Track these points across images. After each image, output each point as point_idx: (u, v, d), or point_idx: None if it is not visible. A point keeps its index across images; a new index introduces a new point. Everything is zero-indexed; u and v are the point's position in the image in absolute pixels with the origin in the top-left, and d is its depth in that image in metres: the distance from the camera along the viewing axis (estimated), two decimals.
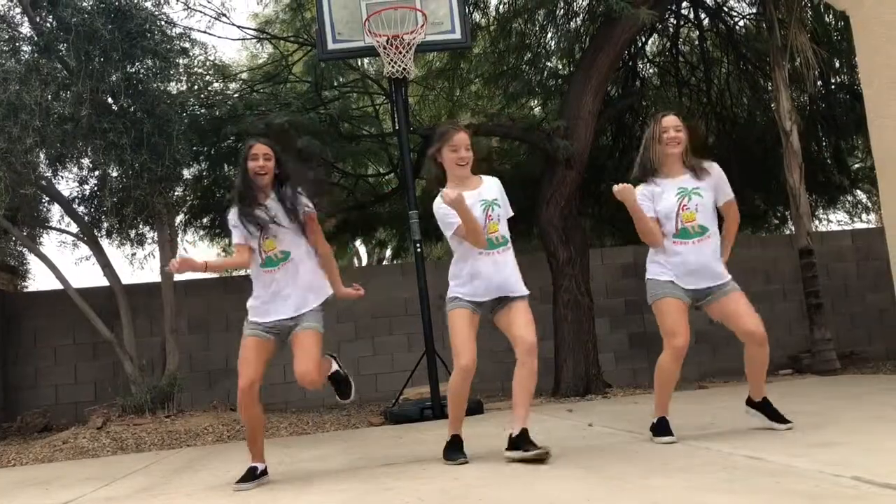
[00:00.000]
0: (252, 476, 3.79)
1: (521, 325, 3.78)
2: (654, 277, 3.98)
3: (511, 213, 4.04)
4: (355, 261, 20.34)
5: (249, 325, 3.85)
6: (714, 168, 4.02)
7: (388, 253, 16.72)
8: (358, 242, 16.46)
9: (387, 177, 12.15)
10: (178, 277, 8.55)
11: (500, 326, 3.92)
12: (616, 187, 3.85)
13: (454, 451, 3.89)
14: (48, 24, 7.37)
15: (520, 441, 3.69)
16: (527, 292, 3.94)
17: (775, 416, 4.01)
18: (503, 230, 3.91)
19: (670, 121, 3.98)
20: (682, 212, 3.89)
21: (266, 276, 3.83)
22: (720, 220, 4.10)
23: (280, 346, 3.90)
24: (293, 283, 3.82)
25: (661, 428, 3.98)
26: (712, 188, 3.98)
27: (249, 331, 3.83)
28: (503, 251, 3.89)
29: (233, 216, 3.89)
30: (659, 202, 3.95)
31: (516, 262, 3.98)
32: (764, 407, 4.06)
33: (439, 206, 3.82)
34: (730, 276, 3.96)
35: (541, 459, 3.58)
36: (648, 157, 4.02)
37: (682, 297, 3.89)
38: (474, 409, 6.83)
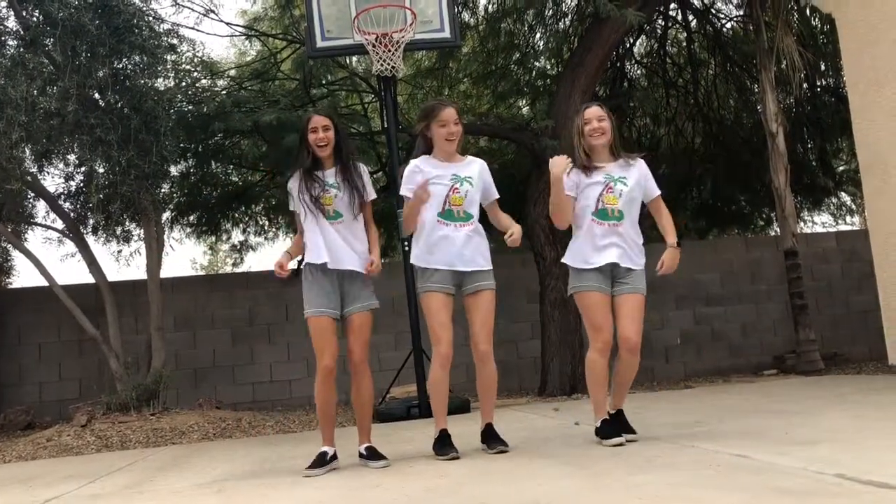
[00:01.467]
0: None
1: (476, 327, 3.92)
2: (573, 265, 4.01)
3: (496, 196, 4.13)
4: None
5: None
6: (640, 163, 4.10)
7: None
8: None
9: (375, 175, 12.13)
10: (164, 274, 8.51)
11: (466, 313, 3.98)
12: (553, 158, 3.91)
13: (444, 445, 3.91)
14: (34, 19, 7.32)
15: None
16: (491, 279, 4.00)
17: (627, 428, 4.02)
18: (468, 206, 3.97)
19: (592, 112, 4.03)
20: (607, 193, 3.96)
21: (329, 229, 3.90)
22: (652, 222, 4.20)
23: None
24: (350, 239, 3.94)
25: (606, 429, 3.91)
26: (638, 183, 4.03)
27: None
28: (462, 225, 3.94)
29: (293, 184, 4.00)
30: (584, 183, 4.01)
31: (484, 243, 4.02)
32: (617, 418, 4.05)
33: (409, 167, 3.99)
34: (641, 268, 3.98)
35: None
36: (576, 150, 4.08)
37: (604, 289, 3.92)
38: (461, 407, 6.84)
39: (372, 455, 3.94)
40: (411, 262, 4.04)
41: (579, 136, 4.06)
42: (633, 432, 4.00)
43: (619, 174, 4.01)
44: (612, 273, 3.96)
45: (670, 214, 4.16)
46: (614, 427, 3.93)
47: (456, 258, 3.90)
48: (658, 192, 4.13)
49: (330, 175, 3.97)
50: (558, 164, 3.89)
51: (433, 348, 3.90)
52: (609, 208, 3.95)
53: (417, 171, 3.96)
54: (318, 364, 3.85)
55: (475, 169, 4.07)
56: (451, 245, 3.90)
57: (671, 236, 4.05)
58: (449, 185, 3.94)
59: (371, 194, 4.07)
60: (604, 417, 3.96)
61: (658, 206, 4.14)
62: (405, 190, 3.94)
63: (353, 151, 4.12)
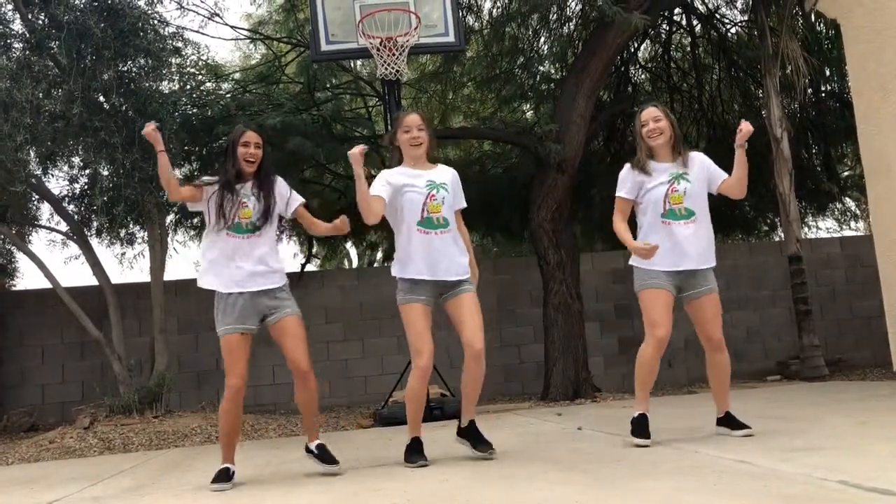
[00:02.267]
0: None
1: (466, 325, 3.86)
2: (640, 265, 4.03)
3: (463, 205, 4.12)
4: (346, 263, 20.31)
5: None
6: (697, 157, 4.11)
7: (379, 255, 16.70)
8: (349, 244, 16.45)
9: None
10: (167, 277, 8.51)
11: (450, 319, 3.96)
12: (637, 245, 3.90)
13: (415, 453, 3.91)
14: (40, 22, 7.34)
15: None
16: (472, 283, 3.99)
17: (738, 424, 4.03)
18: (446, 213, 3.94)
19: (648, 113, 4.08)
20: (671, 194, 3.98)
21: (232, 241, 3.87)
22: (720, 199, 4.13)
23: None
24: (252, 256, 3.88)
25: (639, 427, 3.97)
26: (701, 177, 4.05)
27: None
28: (442, 233, 3.91)
29: (209, 181, 3.96)
30: (647, 188, 4.03)
31: (462, 249, 4.00)
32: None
33: (377, 178, 3.96)
34: (713, 264, 4.01)
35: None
36: (638, 152, 4.12)
37: (669, 289, 3.96)
38: (456, 412, 6.82)
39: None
40: (392, 273, 3.96)
41: (640, 139, 4.10)
42: (746, 427, 3.99)
43: (681, 171, 4.03)
44: (685, 274, 3.99)
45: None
46: (645, 427, 3.96)
47: (440, 268, 3.87)
48: (724, 176, 4.10)
49: (249, 191, 3.95)
50: (641, 252, 3.90)
51: (413, 360, 3.83)
52: (676, 209, 3.98)
53: (384, 184, 3.92)
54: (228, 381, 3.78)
55: (448, 175, 4.07)
56: (433, 253, 3.87)
57: (741, 168, 4.01)
58: (425, 192, 3.92)
59: (298, 200, 4.07)
60: (642, 412, 4.00)
61: (730, 184, 4.08)
62: (375, 189, 3.90)
63: (271, 169, 4.10)
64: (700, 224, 3.98)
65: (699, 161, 4.10)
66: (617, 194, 4.11)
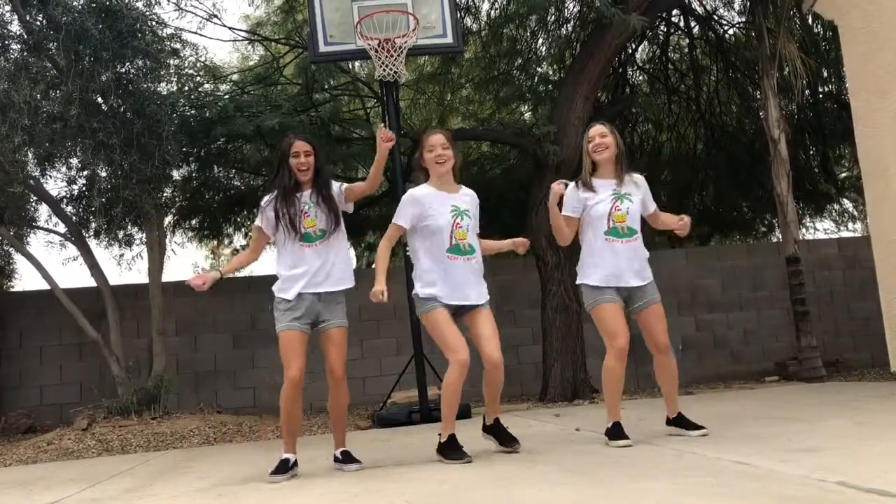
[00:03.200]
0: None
1: (488, 340, 3.98)
2: (586, 283, 4.18)
3: (476, 230, 4.20)
4: None
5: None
6: (642, 181, 4.32)
7: None
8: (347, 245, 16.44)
9: None
10: (165, 278, 8.51)
11: (469, 331, 4.08)
12: (554, 184, 4.15)
13: (455, 450, 3.95)
14: (38, 23, 7.34)
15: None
16: (487, 299, 4.12)
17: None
18: (471, 240, 4.07)
19: (595, 130, 4.24)
20: (615, 212, 4.14)
21: (306, 251, 4.00)
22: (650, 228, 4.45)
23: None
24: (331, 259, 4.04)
25: (616, 432, 4.10)
26: (640, 199, 4.25)
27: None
28: (469, 259, 4.03)
29: (267, 202, 4.08)
30: (590, 205, 4.18)
31: (482, 273, 4.13)
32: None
33: (406, 197, 4.07)
34: (651, 279, 4.20)
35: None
36: (583, 169, 4.28)
37: (618, 301, 4.13)
38: (462, 413, 6.83)
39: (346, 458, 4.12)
40: (415, 293, 4.05)
41: (585, 154, 4.25)
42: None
43: (624, 190, 4.20)
44: (629, 289, 4.15)
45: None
46: (621, 429, 4.09)
47: (461, 295, 3.99)
48: (654, 207, 4.36)
49: (310, 197, 4.07)
50: (555, 190, 4.14)
51: (451, 357, 3.88)
52: (619, 227, 4.14)
53: (413, 203, 4.03)
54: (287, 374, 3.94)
55: (469, 201, 4.17)
56: (462, 279, 3.99)
57: (673, 222, 4.30)
58: (451, 220, 4.01)
59: (342, 190, 4.14)
60: (615, 420, 4.13)
61: (656, 217, 4.38)
62: (402, 218, 4.04)
63: (330, 175, 4.24)
64: (639, 243, 4.18)
65: (641, 184, 4.30)
66: (563, 213, 4.23)
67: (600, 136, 4.18)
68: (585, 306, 4.24)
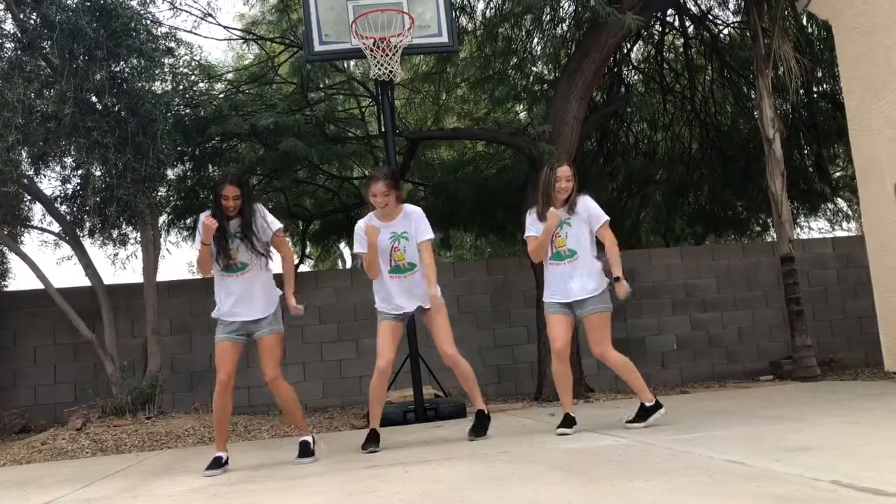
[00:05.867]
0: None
1: (439, 336, 4.76)
2: (545, 298, 4.87)
3: (430, 236, 4.80)
4: (339, 263, 20.30)
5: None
6: (583, 202, 4.77)
7: None
8: (342, 245, 16.43)
9: None
10: (160, 278, 8.48)
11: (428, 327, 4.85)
12: (550, 211, 4.66)
13: (369, 441, 4.73)
14: (32, 22, 7.31)
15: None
16: (441, 301, 4.73)
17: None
18: (410, 257, 4.77)
19: (563, 172, 4.72)
20: (556, 239, 4.76)
21: (228, 281, 4.46)
22: (601, 246, 4.84)
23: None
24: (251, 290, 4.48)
25: (566, 422, 4.79)
26: (583, 219, 4.74)
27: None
28: (409, 275, 4.79)
29: (361, 224, 4.79)
30: (542, 230, 4.77)
31: (422, 282, 4.76)
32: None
33: (359, 225, 4.77)
34: (600, 291, 4.70)
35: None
36: (543, 197, 4.77)
37: (563, 313, 4.78)
38: (457, 412, 6.84)
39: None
40: (377, 307, 4.89)
41: (549, 188, 4.73)
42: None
43: (565, 217, 4.73)
44: (573, 303, 4.75)
45: (616, 242, 4.81)
46: (567, 422, 4.79)
47: (407, 305, 4.82)
48: (604, 219, 4.76)
49: (236, 227, 4.47)
50: (552, 219, 4.65)
51: (377, 362, 4.69)
52: (561, 250, 4.74)
53: (358, 232, 4.74)
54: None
55: (407, 222, 4.77)
56: (403, 292, 4.79)
57: (616, 269, 4.69)
58: (390, 245, 4.75)
59: (275, 226, 4.53)
60: (566, 412, 4.88)
61: (603, 234, 4.79)
62: (358, 247, 4.73)
63: (255, 214, 4.53)
64: (582, 260, 4.71)
65: (583, 205, 4.76)
66: (527, 235, 4.84)
67: (566, 181, 4.69)
68: (544, 314, 4.90)
